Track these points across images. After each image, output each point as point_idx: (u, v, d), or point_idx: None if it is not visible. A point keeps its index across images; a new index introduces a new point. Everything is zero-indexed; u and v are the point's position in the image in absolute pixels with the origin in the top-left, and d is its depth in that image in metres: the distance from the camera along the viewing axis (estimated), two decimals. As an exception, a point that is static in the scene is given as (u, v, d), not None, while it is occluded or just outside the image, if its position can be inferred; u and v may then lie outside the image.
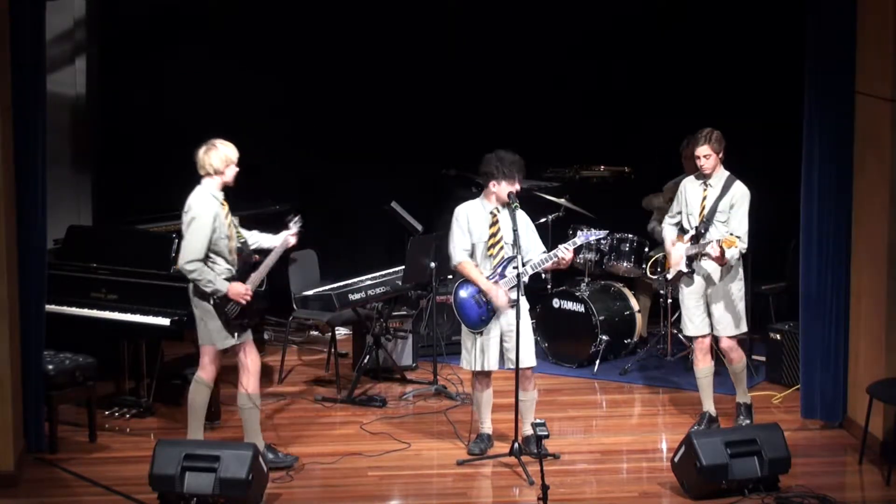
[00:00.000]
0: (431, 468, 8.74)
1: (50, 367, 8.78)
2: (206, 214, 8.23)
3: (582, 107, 11.87)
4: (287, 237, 8.62)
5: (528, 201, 8.84)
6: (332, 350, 10.49)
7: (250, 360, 8.48)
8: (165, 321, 9.10)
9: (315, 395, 10.02)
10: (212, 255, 8.28)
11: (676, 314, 10.75)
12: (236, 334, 8.37)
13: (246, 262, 8.47)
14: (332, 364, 10.41)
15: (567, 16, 11.66)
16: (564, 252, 8.61)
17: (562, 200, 10.83)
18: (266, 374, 10.52)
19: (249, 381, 8.46)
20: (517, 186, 8.60)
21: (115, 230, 9.94)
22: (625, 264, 10.80)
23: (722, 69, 11.56)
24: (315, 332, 11.47)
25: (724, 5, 11.44)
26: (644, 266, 10.74)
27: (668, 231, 9.23)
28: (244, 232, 8.62)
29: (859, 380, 8.95)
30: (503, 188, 8.59)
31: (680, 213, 9.15)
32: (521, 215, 8.68)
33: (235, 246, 8.42)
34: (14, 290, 8.33)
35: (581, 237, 8.84)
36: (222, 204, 8.36)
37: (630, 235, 10.81)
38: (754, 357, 10.52)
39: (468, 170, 11.56)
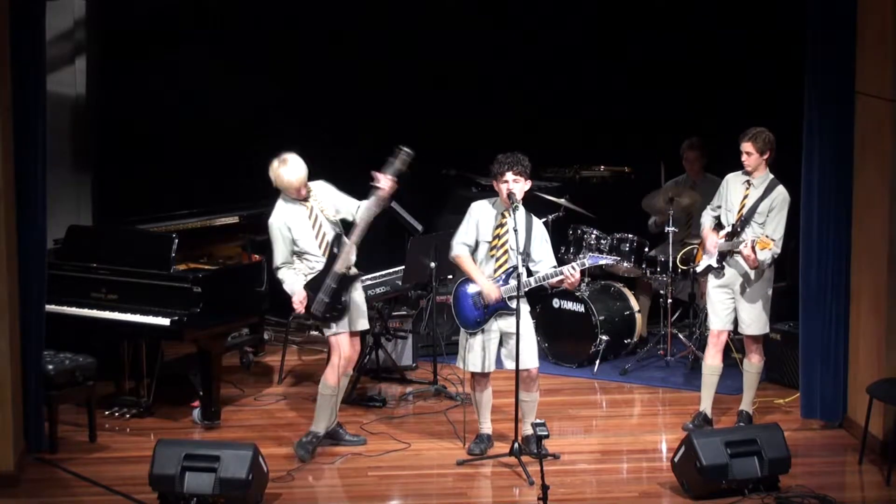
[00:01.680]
0: (431, 468, 8.74)
1: (50, 367, 8.78)
2: (273, 225, 8.72)
3: (582, 107, 11.87)
4: (380, 190, 8.80)
5: (528, 201, 8.83)
6: (332, 350, 10.49)
7: (339, 353, 8.77)
8: (165, 321, 9.10)
9: (315, 396, 10.00)
10: (296, 255, 8.74)
11: (676, 314, 10.78)
12: (334, 325, 8.72)
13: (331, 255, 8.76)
14: (332, 364, 10.40)
15: (567, 16, 11.66)
16: (570, 271, 8.57)
17: (562, 200, 10.82)
18: (266, 373, 10.54)
19: (329, 371, 8.79)
20: (511, 181, 8.54)
21: (115, 230, 9.92)
22: (625, 264, 10.80)
23: (722, 69, 11.56)
24: (315, 332, 11.46)
25: (724, 5, 11.44)
26: (644, 267, 10.75)
27: (707, 219, 9.22)
28: (351, 206, 8.80)
29: (859, 380, 8.95)
30: (500, 186, 8.59)
31: (720, 206, 9.16)
32: (537, 225, 8.68)
33: (328, 241, 8.73)
34: (14, 290, 8.34)
35: (590, 259, 8.82)
36: (304, 205, 8.72)
37: (630, 235, 10.81)
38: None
39: (468, 170, 11.59)
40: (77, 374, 8.93)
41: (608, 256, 9.46)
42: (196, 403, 9.45)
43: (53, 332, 8.86)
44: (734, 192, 9.05)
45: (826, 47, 8.85)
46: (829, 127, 8.93)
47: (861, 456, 8.68)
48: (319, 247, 8.73)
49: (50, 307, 8.91)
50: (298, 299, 8.68)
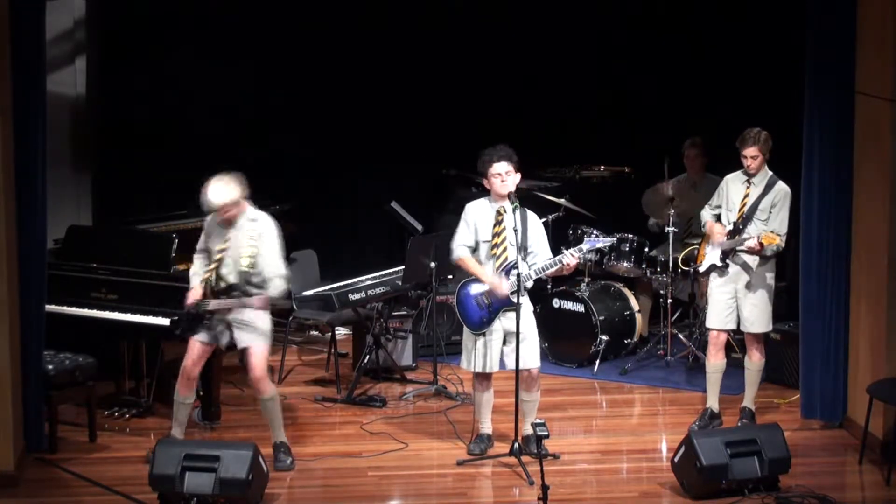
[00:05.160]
0: (431, 468, 8.74)
1: (50, 367, 8.78)
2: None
3: (582, 107, 11.88)
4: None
5: (528, 201, 8.84)
6: (332, 350, 10.50)
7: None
8: (165, 321, 9.10)
9: (315, 395, 10.02)
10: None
11: (676, 314, 10.79)
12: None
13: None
14: (332, 364, 10.41)
15: (568, 17, 11.67)
16: (570, 258, 8.57)
17: (562, 200, 10.83)
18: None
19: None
20: (503, 172, 8.50)
21: (115, 230, 9.94)
22: (625, 264, 10.80)
23: (722, 69, 11.57)
24: (315, 332, 11.48)
25: (724, 5, 11.45)
26: (644, 267, 10.75)
27: (707, 215, 9.23)
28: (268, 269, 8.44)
29: (859, 380, 8.95)
30: (492, 181, 8.57)
31: (719, 206, 9.17)
32: (532, 218, 8.65)
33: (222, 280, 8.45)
34: (14, 290, 8.33)
35: (588, 243, 8.81)
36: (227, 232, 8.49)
37: (630, 235, 10.81)
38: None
39: (468, 170, 11.58)
40: (77, 374, 8.93)
41: (605, 238, 9.38)
42: (196, 403, 9.44)
43: (53, 332, 8.86)
44: (734, 191, 9.07)
45: (826, 47, 8.85)
46: (829, 127, 8.93)
47: (861, 456, 8.68)
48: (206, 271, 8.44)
49: (50, 307, 8.91)
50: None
